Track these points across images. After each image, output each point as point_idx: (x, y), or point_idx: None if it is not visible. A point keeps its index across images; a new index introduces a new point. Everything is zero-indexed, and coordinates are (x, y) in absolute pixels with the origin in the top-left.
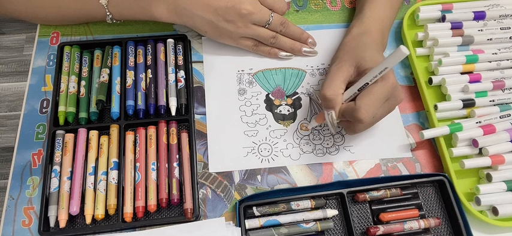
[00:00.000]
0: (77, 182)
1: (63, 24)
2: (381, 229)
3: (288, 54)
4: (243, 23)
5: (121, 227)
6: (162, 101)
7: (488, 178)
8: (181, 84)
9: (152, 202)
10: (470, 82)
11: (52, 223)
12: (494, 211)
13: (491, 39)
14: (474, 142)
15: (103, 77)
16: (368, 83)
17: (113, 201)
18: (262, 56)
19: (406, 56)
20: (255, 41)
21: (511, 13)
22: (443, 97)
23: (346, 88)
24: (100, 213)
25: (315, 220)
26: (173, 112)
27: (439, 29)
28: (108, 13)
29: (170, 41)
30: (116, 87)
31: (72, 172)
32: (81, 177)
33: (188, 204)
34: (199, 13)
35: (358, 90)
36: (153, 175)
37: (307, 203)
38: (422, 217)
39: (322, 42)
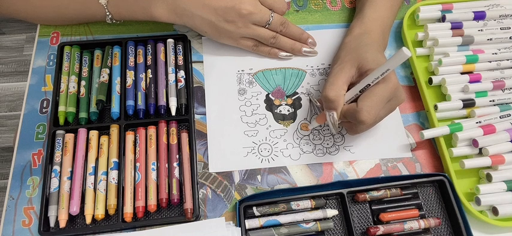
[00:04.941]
0: (77, 183)
1: (63, 24)
2: (381, 229)
3: (288, 54)
4: (243, 23)
5: (121, 227)
6: (162, 101)
7: (488, 178)
8: (181, 84)
9: (152, 202)
10: (470, 82)
11: (52, 223)
12: (494, 211)
13: (491, 39)
14: (474, 142)
15: (103, 77)
16: (370, 84)
17: (113, 201)
18: (262, 56)
19: (408, 57)
20: (255, 41)
21: (511, 13)
22: (443, 97)
23: (348, 89)
24: (100, 213)
25: (315, 220)
26: (173, 112)
27: (439, 29)
28: (107, 13)
29: (170, 41)
30: (116, 87)
31: (72, 172)
32: (81, 177)
33: (188, 204)
34: (199, 13)
35: (360, 91)
36: (153, 175)
37: (307, 203)
38: (422, 217)
39: (322, 42)
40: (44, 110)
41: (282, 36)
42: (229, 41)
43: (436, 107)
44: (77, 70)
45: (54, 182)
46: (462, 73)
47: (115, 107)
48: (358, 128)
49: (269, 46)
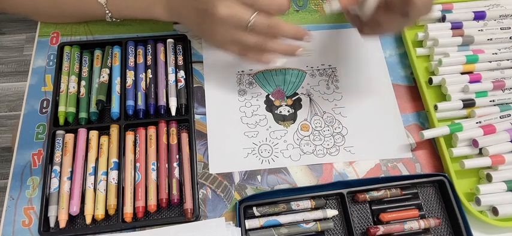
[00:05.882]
0: (77, 183)
1: (62, 21)
2: (381, 229)
3: (282, 59)
4: (221, 26)
5: (121, 228)
6: (162, 101)
7: (488, 178)
8: (181, 84)
9: (152, 202)
10: (470, 82)
11: (52, 223)
12: (494, 211)
13: (491, 39)
14: (474, 142)
15: (103, 77)
16: None
17: (113, 201)
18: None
19: None
20: (242, 45)
21: (511, 13)
22: (444, 97)
23: None
24: (100, 213)
25: (315, 220)
26: (173, 112)
27: (439, 29)
28: (107, 11)
29: (170, 41)
30: (116, 87)
31: (72, 172)
32: (81, 177)
33: (188, 204)
34: (185, 13)
35: None
36: (153, 175)
37: (307, 204)
38: (422, 217)
39: (322, 42)
40: (44, 110)
41: (271, 39)
42: (216, 46)
43: (436, 107)
44: (77, 70)
45: (54, 183)
46: (462, 73)
47: (115, 107)
48: (400, 23)
49: (257, 51)
